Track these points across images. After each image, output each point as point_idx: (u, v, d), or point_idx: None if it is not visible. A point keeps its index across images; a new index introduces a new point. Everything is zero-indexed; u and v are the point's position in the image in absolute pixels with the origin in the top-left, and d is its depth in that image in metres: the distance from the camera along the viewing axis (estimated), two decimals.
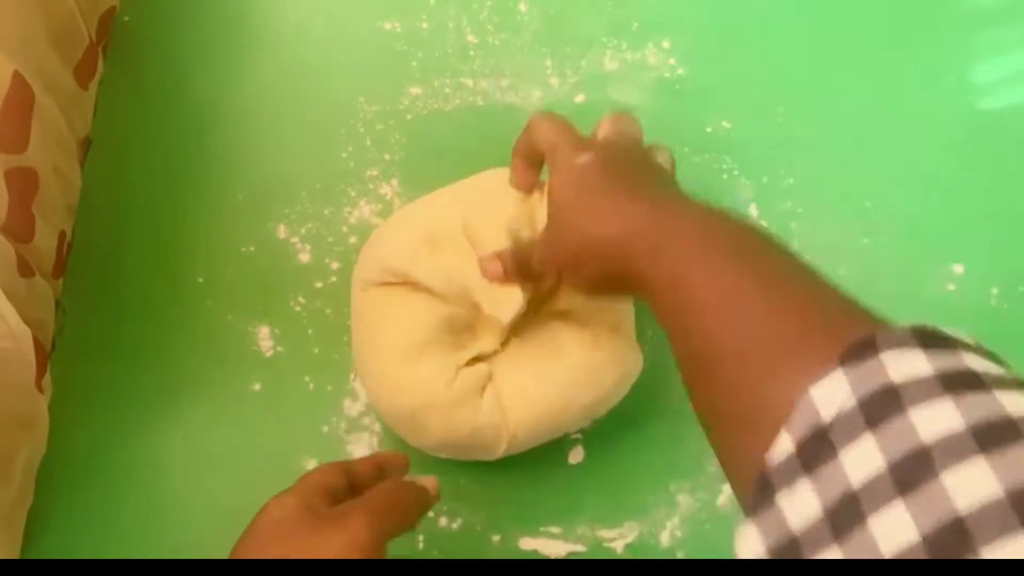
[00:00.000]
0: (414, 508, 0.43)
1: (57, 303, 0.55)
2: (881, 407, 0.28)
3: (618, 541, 0.54)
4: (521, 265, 0.50)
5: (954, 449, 0.26)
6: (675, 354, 0.40)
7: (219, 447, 0.55)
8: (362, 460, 0.46)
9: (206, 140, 0.61)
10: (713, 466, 0.55)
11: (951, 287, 0.60)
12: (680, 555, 0.53)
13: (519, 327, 0.53)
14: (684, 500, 0.54)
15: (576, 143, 0.49)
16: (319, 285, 0.58)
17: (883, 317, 0.34)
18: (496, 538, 0.53)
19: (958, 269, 0.60)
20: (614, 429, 0.56)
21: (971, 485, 0.25)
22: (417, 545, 0.53)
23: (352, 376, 0.56)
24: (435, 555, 0.53)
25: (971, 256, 0.60)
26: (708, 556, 0.53)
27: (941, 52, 0.66)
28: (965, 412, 0.27)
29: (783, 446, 0.30)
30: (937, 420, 0.27)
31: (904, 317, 0.59)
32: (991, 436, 0.26)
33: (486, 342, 0.52)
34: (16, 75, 0.49)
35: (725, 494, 0.54)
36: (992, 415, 0.27)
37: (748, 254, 0.39)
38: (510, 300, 0.50)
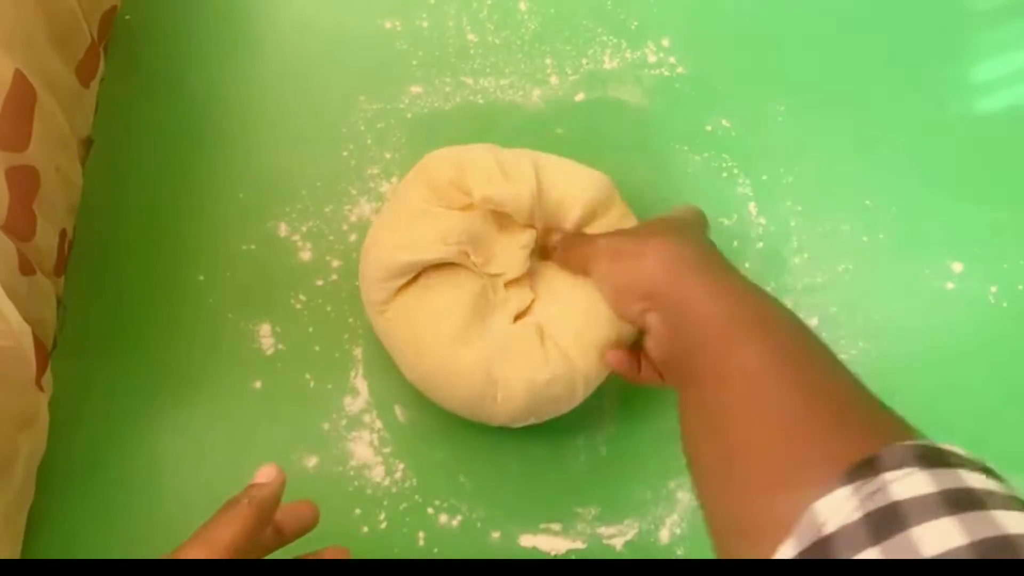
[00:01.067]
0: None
1: (58, 301, 0.55)
2: (885, 523, 0.29)
3: (618, 538, 0.54)
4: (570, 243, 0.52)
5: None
6: (683, 420, 0.41)
7: (220, 445, 0.55)
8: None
9: (207, 138, 0.62)
10: None
11: (950, 285, 0.60)
12: (680, 552, 0.54)
13: (543, 274, 0.53)
14: (684, 497, 0.54)
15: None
16: (320, 283, 0.58)
17: (890, 416, 0.36)
18: (496, 535, 0.53)
19: (957, 267, 0.60)
20: (614, 427, 0.56)
21: None
22: (417, 542, 0.53)
23: (352, 374, 0.56)
24: (435, 552, 0.53)
25: (970, 254, 0.61)
26: (708, 553, 0.53)
27: (942, 50, 0.66)
28: (966, 530, 0.27)
29: (785, 554, 0.30)
30: (939, 538, 0.27)
31: (904, 315, 0.59)
32: (989, 551, 0.27)
33: (518, 297, 0.52)
34: (17, 74, 0.49)
35: None
36: (992, 533, 0.27)
37: (777, 340, 0.40)
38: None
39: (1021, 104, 0.65)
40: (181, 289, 0.58)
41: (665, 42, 0.65)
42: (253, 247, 0.59)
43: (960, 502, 0.28)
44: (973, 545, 0.27)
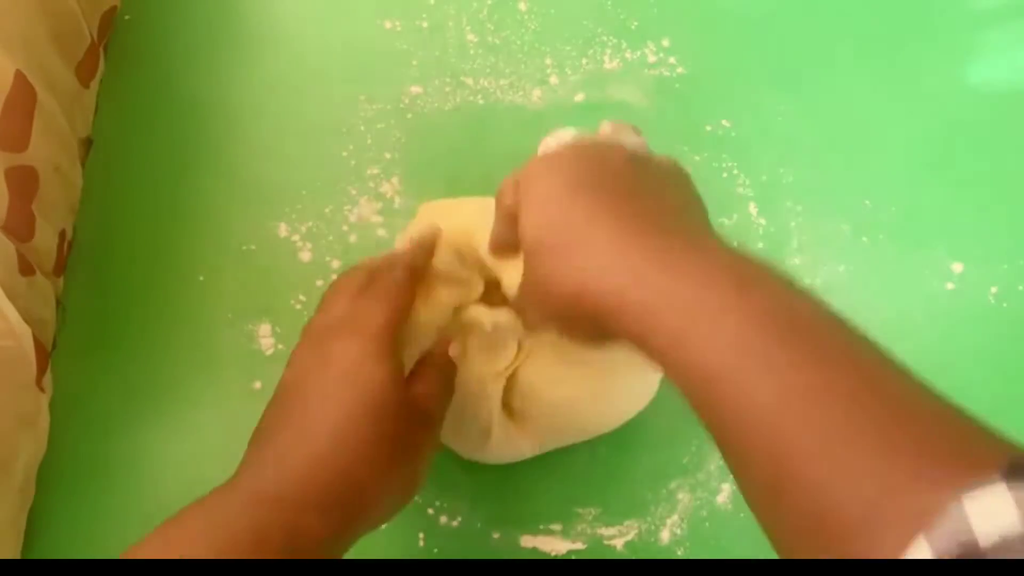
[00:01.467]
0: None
1: (58, 302, 0.55)
2: None
3: (618, 539, 0.54)
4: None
5: None
6: (729, 462, 0.31)
7: (220, 445, 0.55)
8: (392, 261, 0.45)
9: (207, 138, 0.62)
10: (713, 464, 0.55)
11: (950, 286, 0.60)
12: (680, 553, 0.53)
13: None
14: (684, 498, 0.54)
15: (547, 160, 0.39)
16: (320, 283, 0.58)
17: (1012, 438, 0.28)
18: (496, 536, 0.53)
19: (957, 268, 0.60)
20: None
21: None
22: (418, 543, 0.53)
23: None
24: (435, 553, 0.53)
25: (970, 255, 0.60)
26: (708, 554, 0.53)
27: (941, 52, 0.66)
28: None
29: (917, 554, 0.23)
30: None
31: (904, 316, 0.59)
32: None
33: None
34: (18, 74, 0.49)
35: (725, 492, 0.54)
36: None
37: (815, 335, 0.30)
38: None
39: (1021, 105, 0.65)
40: (181, 289, 0.58)
41: (665, 42, 0.65)
42: (253, 247, 0.59)
43: None
44: None
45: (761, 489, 0.29)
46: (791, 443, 0.27)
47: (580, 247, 0.34)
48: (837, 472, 0.26)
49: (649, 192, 0.37)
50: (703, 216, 0.38)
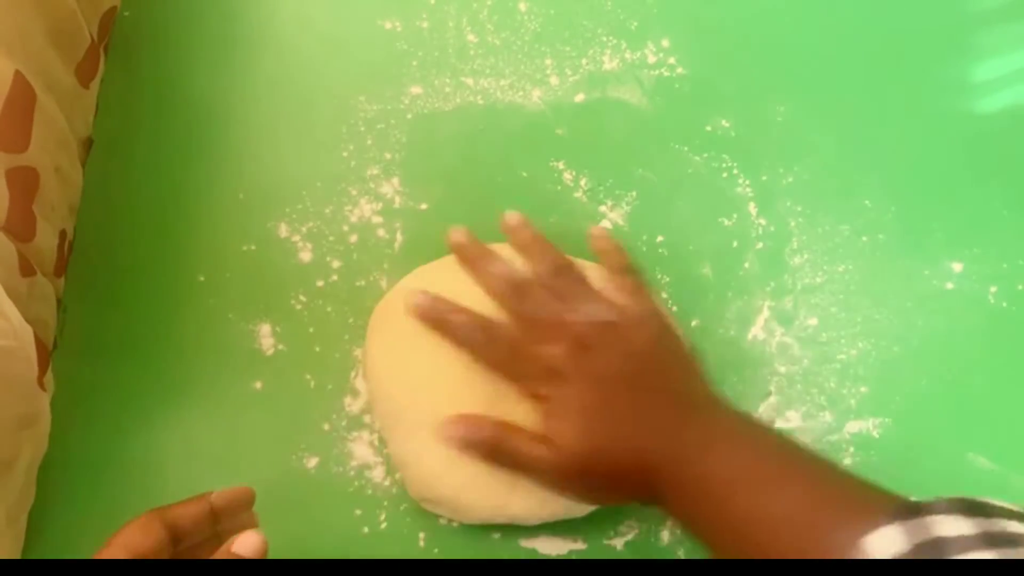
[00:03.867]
0: None
1: (58, 302, 0.55)
2: (928, 552, 0.32)
3: (618, 539, 0.54)
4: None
5: None
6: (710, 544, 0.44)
7: (220, 445, 0.55)
8: (189, 505, 0.43)
9: (207, 139, 0.62)
10: None
11: (950, 285, 0.60)
12: (680, 553, 0.54)
13: None
14: None
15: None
16: (320, 284, 0.58)
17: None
18: (496, 536, 0.53)
19: (957, 267, 0.60)
20: None
21: None
22: (418, 543, 0.53)
23: (353, 374, 0.56)
24: (435, 553, 0.53)
25: (970, 254, 0.61)
26: (708, 554, 0.53)
27: (941, 51, 0.66)
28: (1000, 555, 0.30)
29: None
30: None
31: (904, 316, 0.59)
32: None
33: None
34: (17, 75, 0.49)
35: None
36: None
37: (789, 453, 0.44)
38: None
39: (1021, 104, 0.65)
40: (181, 290, 0.58)
41: (665, 43, 0.65)
42: (253, 248, 0.59)
43: (998, 542, 0.31)
44: None
45: (730, 545, 0.42)
46: (756, 513, 0.41)
47: (631, 436, 0.46)
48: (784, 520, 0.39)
49: (668, 366, 0.49)
50: (699, 371, 0.50)
